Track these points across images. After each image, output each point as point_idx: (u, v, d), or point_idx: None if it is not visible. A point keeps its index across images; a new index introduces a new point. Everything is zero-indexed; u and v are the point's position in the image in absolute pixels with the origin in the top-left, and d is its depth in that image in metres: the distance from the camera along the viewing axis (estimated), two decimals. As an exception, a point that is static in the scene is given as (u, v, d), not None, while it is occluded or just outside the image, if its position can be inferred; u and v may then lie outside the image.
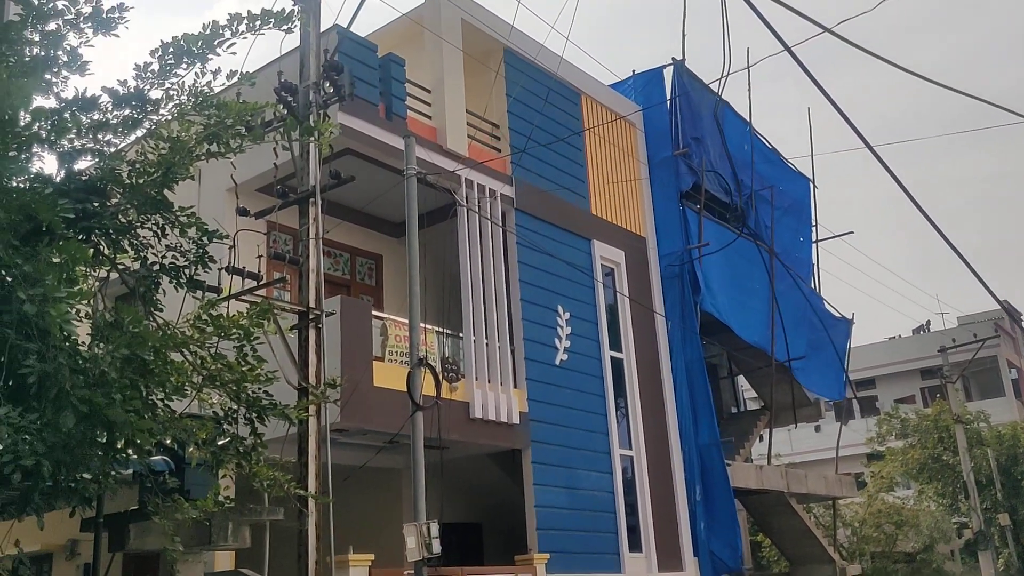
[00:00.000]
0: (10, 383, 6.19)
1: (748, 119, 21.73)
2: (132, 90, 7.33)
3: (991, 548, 29.70)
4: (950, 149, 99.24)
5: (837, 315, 23.88)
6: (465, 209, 14.20)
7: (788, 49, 8.17)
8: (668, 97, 19.46)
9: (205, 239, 8.05)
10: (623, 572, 14.99)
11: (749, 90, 22.00)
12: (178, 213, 7.85)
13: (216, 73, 7.46)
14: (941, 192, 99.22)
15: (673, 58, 19.59)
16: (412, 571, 10.08)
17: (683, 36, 19.96)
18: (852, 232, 27.54)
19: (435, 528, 9.58)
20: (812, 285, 23.53)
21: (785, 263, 21.27)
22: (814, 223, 24.03)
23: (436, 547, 9.53)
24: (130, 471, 8.21)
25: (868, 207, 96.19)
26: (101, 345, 6.86)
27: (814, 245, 24.10)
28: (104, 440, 6.62)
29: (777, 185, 21.93)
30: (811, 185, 24.09)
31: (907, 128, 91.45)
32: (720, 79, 19.04)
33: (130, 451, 7.02)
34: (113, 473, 7.35)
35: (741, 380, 24.71)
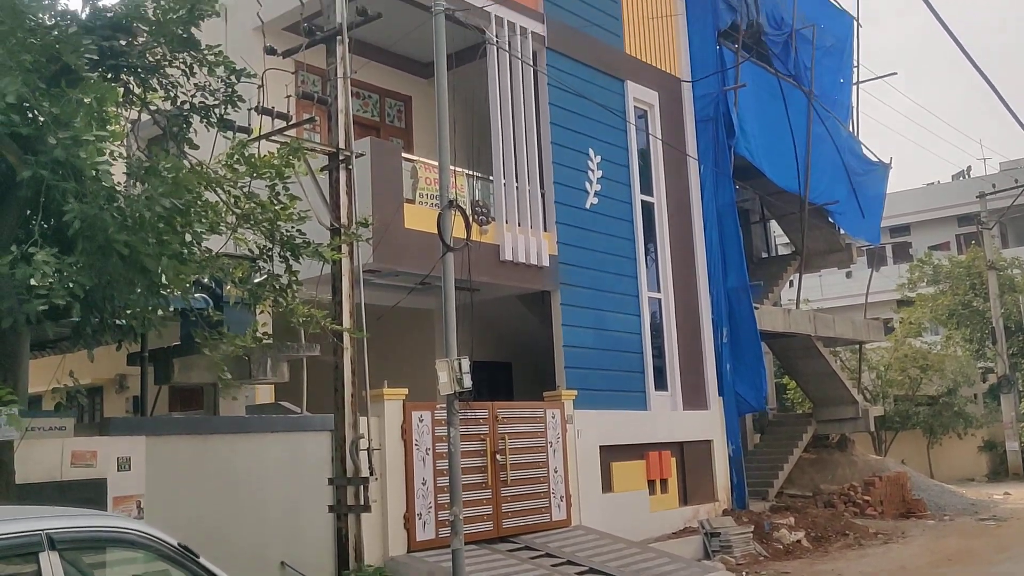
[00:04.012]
0: (51, 223, 6.35)
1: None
2: (151, -78, 7.15)
3: (1014, 392, 30.13)
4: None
5: (875, 160, 23.47)
6: (495, 48, 13.88)
7: None
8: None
9: (234, 78, 8.03)
10: (649, 409, 15.45)
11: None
12: (205, 52, 7.80)
13: (237, -96, 7.24)
14: (994, 30, 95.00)
15: None
16: (444, 405, 10.48)
17: None
18: (895, 73, 26.68)
19: (466, 364, 9.87)
20: (851, 128, 23.03)
21: (824, 105, 20.76)
22: (855, 64, 23.28)
23: (467, 382, 9.84)
24: (172, 308, 8.49)
25: (913, 46, 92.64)
26: (137, 187, 6.97)
27: (854, 87, 23.44)
28: (146, 280, 6.83)
29: (818, 23, 21.13)
30: (854, 24, 23.19)
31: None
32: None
33: (171, 290, 7.23)
34: (157, 311, 7.61)
35: (773, 225, 24.62)
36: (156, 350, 10.33)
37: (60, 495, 7.84)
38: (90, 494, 8.17)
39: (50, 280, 5.84)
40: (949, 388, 28.67)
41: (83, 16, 7.08)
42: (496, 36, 13.86)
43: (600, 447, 14.16)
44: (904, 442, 28.30)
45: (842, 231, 22.29)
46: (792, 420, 22.32)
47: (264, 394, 11.92)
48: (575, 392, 13.84)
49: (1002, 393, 30.00)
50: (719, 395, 17.23)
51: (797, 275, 21.84)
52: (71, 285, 5.95)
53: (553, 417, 13.29)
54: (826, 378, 21.11)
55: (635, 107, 16.62)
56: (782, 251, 25.90)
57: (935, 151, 73.00)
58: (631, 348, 15.46)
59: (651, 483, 15.06)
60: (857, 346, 24.00)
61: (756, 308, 18.19)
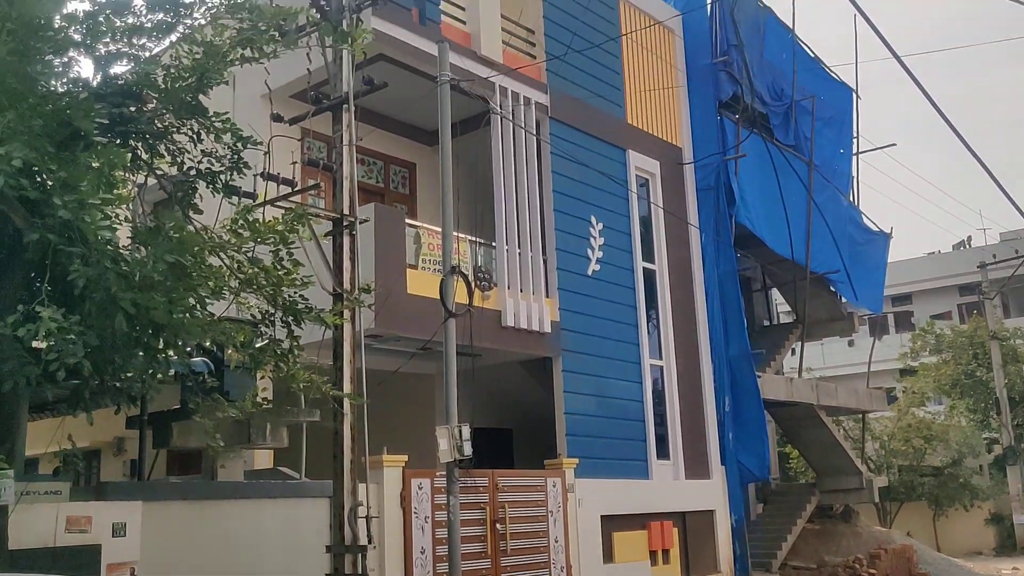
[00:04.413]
0: (57, 285, 6.38)
1: (791, 26, 21.16)
2: (165, -7, 7.31)
3: (1020, 463, 29.83)
4: (1004, 58, 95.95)
5: (875, 229, 23.61)
6: (499, 117, 14.09)
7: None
8: (708, 2, 18.97)
9: (240, 145, 8.12)
10: (650, 478, 15.30)
11: (793, -4, 21.36)
12: (213, 119, 7.91)
13: (249, -25, 7.42)
14: (994, 102, 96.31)
15: (715, -39, 19.01)
16: (444, 472, 10.38)
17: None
18: (895, 144, 26.82)
19: (466, 431, 9.82)
20: (851, 198, 23.20)
21: (824, 175, 20.97)
22: (855, 135, 23.55)
23: (467, 449, 9.78)
24: (172, 371, 8.47)
25: (912, 117, 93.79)
26: (143, 249, 7.02)
27: (855, 157, 23.68)
28: (147, 341, 6.83)
29: (818, 95, 21.45)
30: (854, 95, 23.53)
31: (957, 34, 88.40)
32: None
33: (171, 352, 7.23)
34: (157, 374, 7.59)
35: (775, 293, 24.66)
36: (155, 413, 10.26)
37: (53, 562, 7.71)
38: (84, 560, 8.03)
39: (56, 340, 5.84)
40: (954, 459, 28.39)
41: (94, 83, 7.20)
42: (500, 105, 14.07)
43: (601, 516, 13.97)
44: (909, 513, 27.92)
45: (844, 300, 22.33)
46: (795, 490, 22.06)
47: (263, 459, 11.82)
48: (576, 460, 13.72)
49: (1008, 465, 29.71)
50: (721, 464, 17.07)
51: (799, 343, 21.80)
52: (75, 344, 5.95)
53: (554, 486, 13.15)
54: (829, 447, 20.93)
55: (637, 175, 16.80)
56: (784, 319, 25.89)
57: (935, 221, 73.53)
58: (633, 416, 15.37)
59: (653, 554, 14.82)
60: (860, 415, 23.83)
61: (758, 376, 18.12)
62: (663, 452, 15.89)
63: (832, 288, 21.83)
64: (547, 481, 13.11)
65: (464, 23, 14.34)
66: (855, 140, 23.57)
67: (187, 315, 6.76)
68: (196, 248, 6.92)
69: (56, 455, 8.40)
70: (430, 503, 11.33)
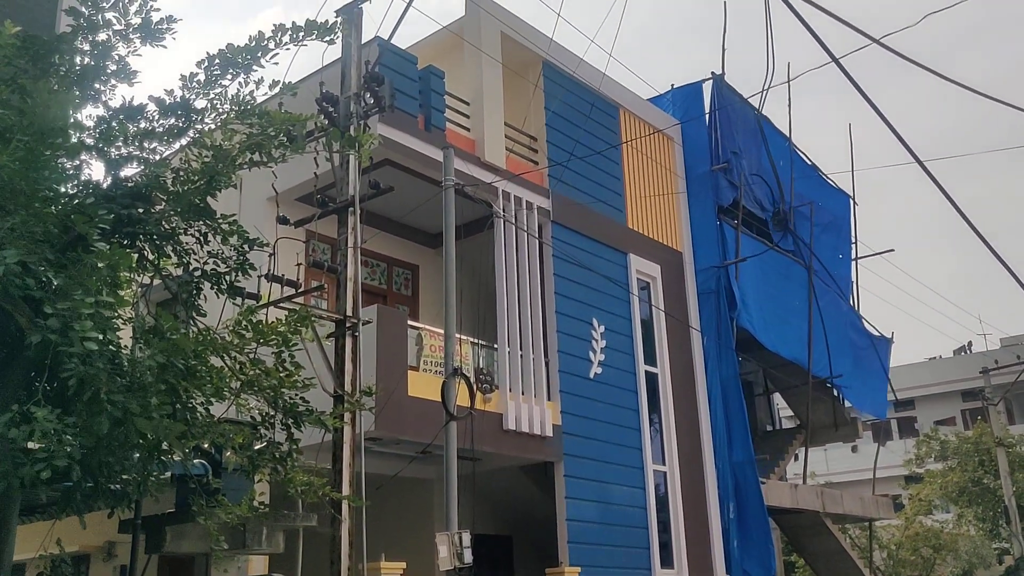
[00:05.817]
0: (55, 385, 6.33)
1: (787, 135, 21.63)
2: (178, 99, 7.49)
3: (1032, 575, 29.08)
4: (996, 166, 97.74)
5: (877, 334, 23.61)
6: (502, 221, 14.26)
7: (836, 60, 8.15)
8: (707, 111, 19.42)
9: (246, 247, 8.18)
10: (654, 588, 14.89)
11: (789, 106, 21.94)
12: (220, 221, 7.99)
13: (259, 83, 7.61)
14: (988, 209, 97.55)
15: (712, 72, 19.55)
16: (443, 581, 10.10)
17: (723, 50, 20.03)
18: (893, 250, 27.10)
19: (467, 538, 9.61)
20: (851, 303, 23.28)
21: (824, 280, 21.09)
22: (854, 240, 23.79)
23: (468, 557, 9.55)
24: (169, 474, 8.33)
25: (909, 224, 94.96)
26: (142, 349, 6.98)
27: (853, 263, 23.86)
28: (143, 443, 6.72)
29: (816, 202, 21.77)
30: (851, 202, 23.88)
31: (949, 145, 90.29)
32: (761, 92, 18.99)
33: (173, 455, 7.11)
34: (153, 476, 7.46)
35: (777, 398, 24.49)
36: (148, 517, 10.06)
37: (36, 673, 7.44)
38: (68, 672, 7.76)
39: (49, 442, 5.75)
40: (964, 570, 27.70)
41: (104, 185, 7.30)
42: (503, 209, 14.25)
43: (604, 628, 13.55)
44: (921, 627, 27.11)
45: (847, 404, 22.16)
46: (803, 602, 21.49)
47: (257, 565, 11.52)
48: (578, 569, 13.38)
49: (1020, 576, 28.95)
50: (727, 573, 16.64)
51: (803, 449, 21.54)
52: (69, 448, 5.85)
53: (555, 595, 12.80)
54: (836, 556, 20.45)
55: (638, 279, 16.89)
56: (786, 424, 25.65)
57: (935, 326, 73.69)
58: (636, 523, 15.05)
59: (657, 668, 14.32)
60: (867, 523, 23.37)
61: (762, 483, 17.84)
62: (667, 560, 15.50)
63: (835, 393, 21.70)
64: (548, 590, 12.76)
65: (468, 130, 14.66)
66: (853, 245, 23.82)
67: (181, 416, 6.66)
68: (194, 349, 6.88)
69: (43, 559, 8.17)
70: (428, 613, 11.01)
